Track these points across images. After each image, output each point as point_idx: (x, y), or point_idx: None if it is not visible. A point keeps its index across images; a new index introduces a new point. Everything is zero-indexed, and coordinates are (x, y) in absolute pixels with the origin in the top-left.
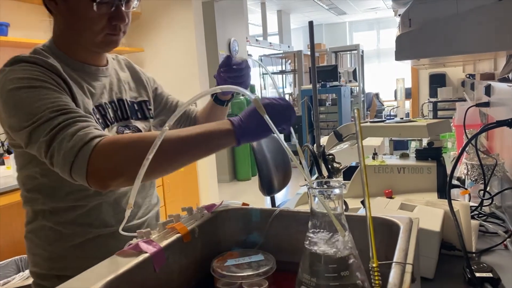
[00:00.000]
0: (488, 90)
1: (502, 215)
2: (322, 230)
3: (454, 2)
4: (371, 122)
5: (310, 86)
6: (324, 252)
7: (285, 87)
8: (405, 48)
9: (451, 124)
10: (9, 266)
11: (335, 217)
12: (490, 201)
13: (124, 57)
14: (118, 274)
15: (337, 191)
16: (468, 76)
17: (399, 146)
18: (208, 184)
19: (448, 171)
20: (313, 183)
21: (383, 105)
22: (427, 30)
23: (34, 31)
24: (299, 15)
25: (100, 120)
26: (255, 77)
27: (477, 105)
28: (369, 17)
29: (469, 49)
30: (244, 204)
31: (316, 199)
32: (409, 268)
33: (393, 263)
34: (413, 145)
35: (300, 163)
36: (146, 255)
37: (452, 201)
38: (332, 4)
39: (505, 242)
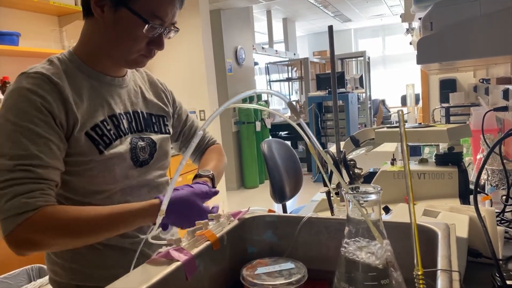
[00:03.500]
0: (506, 94)
1: None
2: (359, 237)
3: (477, 4)
4: (388, 127)
5: (318, 93)
6: (362, 260)
7: (292, 94)
8: (427, 52)
9: None
10: (20, 276)
11: (372, 223)
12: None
13: (148, 71)
14: (151, 284)
15: (373, 196)
16: (481, 80)
17: (411, 152)
18: None
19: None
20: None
21: (389, 112)
22: (449, 33)
23: (45, 41)
24: (305, 22)
25: (112, 131)
26: (262, 84)
27: (495, 109)
28: (374, 24)
29: (493, 51)
30: (270, 210)
31: (351, 205)
32: (456, 276)
33: (439, 271)
34: (427, 151)
35: (337, 167)
36: (178, 263)
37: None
38: (337, 11)
39: None
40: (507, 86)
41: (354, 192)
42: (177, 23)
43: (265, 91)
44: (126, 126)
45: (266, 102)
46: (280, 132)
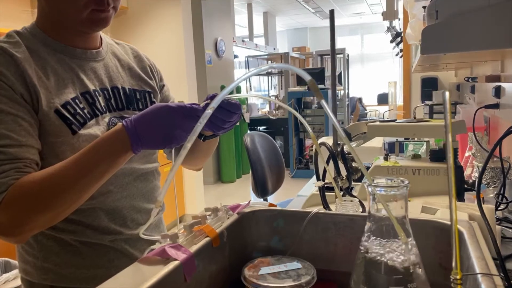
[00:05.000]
0: (498, 92)
1: None
2: (381, 235)
3: None
4: (381, 121)
5: (297, 89)
6: (386, 261)
7: (271, 89)
8: (432, 42)
9: None
10: None
11: (397, 220)
12: (504, 205)
13: (133, 46)
14: (147, 287)
15: (400, 190)
16: (467, 79)
17: (393, 148)
18: (194, 186)
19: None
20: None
21: (366, 110)
22: (455, 23)
23: (15, 22)
24: (285, 17)
25: (86, 110)
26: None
27: (486, 106)
28: (353, 22)
29: (501, 43)
30: (271, 204)
31: (372, 199)
32: (499, 281)
33: (479, 276)
34: (411, 148)
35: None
36: (175, 263)
37: (472, 204)
38: (318, 8)
39: None
40: (498, 84)
41: (378, 184)
42: (157, 10)
43: (283, 66)
44: (103, 104)
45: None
46: (259, 127)
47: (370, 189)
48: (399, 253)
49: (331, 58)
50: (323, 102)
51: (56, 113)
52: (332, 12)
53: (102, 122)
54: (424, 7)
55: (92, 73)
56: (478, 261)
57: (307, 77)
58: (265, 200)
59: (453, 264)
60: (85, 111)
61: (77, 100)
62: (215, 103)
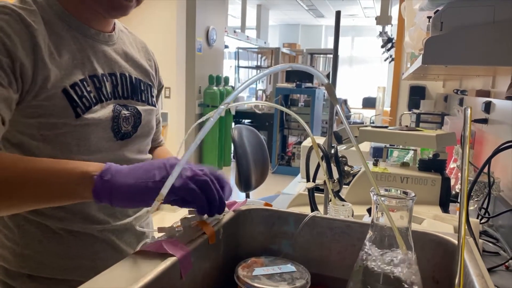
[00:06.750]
0: (488, 107)
1: (495, 233)
2: (381, 246)
3: (491, 10)
4: (372, 127)
5: (286, 85)
6: (385, 272)
7: (259, 83)
8: (434, 53)
9: None
10: None
11: (399, 232)
12: (485, 219)
13: (142, 40)
14: (144, 284)
15: (406, 202)
16: (456, 91)
17: (379, 153)
18: None
19: None
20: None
21: (350, 112)
22: (459, 36)
23: None
24: (278, 12)
25: (93, 94)
26: (227, 69)
27: (475, 121)
28: (345, 23)
29: (501, 61)
30: (266, 204)
31: (376, 208)
32: None
33: None
34: (396, 154)
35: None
36: (173, 259)
37: (457, 216)
38: (312, 6)
39: (507, 264)
40: (489, 99)
41: (385, 195)
42: None
43: (302, 67)
44: (109, 90)
45: (233, 88)
46: (244, 120)
47: (375, 198)
48: (399, 265)
49: (333, 59)
50: (338, 107)
51: (63, 92)
52: (338, 14)
53: (107, 108)
54: (429, 17)
55: (102, 57)
56: (478, 279)
57: (325, 81)
58: (248, 195)
59: (456, 281)
60: (92, 95)
61: (85, 83)
62: (229, 99)
